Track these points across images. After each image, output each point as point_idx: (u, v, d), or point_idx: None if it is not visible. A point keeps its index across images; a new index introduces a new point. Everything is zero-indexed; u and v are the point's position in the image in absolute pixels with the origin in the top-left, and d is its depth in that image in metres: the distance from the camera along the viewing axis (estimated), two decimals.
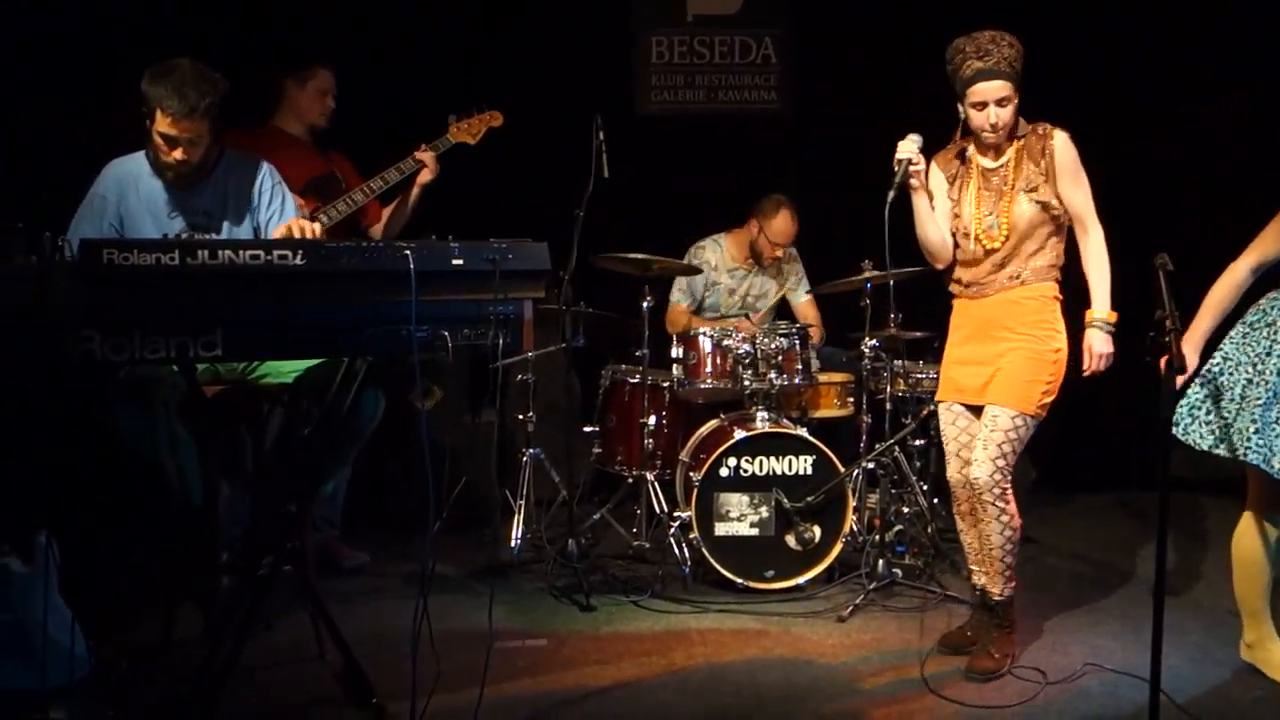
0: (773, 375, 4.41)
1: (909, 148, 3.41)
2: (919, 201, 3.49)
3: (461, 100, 4.46)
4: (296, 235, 3.21)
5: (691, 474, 4.29)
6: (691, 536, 4.22)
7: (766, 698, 3.32)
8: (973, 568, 3.67)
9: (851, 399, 4.74)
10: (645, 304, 4.40)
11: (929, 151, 3.52)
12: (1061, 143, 3.40)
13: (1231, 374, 3.33)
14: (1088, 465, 5.93)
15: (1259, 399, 3.23)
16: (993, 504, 3.45)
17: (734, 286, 5.16)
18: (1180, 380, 3.26)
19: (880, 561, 4.22)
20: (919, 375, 4.66)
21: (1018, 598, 4.12)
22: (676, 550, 4.29)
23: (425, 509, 2.77)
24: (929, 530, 4.57)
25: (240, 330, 2.69)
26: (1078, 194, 3.41)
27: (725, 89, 5.85)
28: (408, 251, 2.75)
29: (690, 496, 4.23)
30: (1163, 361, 2.68)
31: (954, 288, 3.61)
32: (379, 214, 4.51)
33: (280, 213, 3.50)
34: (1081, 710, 3.26)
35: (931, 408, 4.62)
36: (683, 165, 5.80)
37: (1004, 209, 3.42)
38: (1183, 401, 3.41)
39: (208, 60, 3.31)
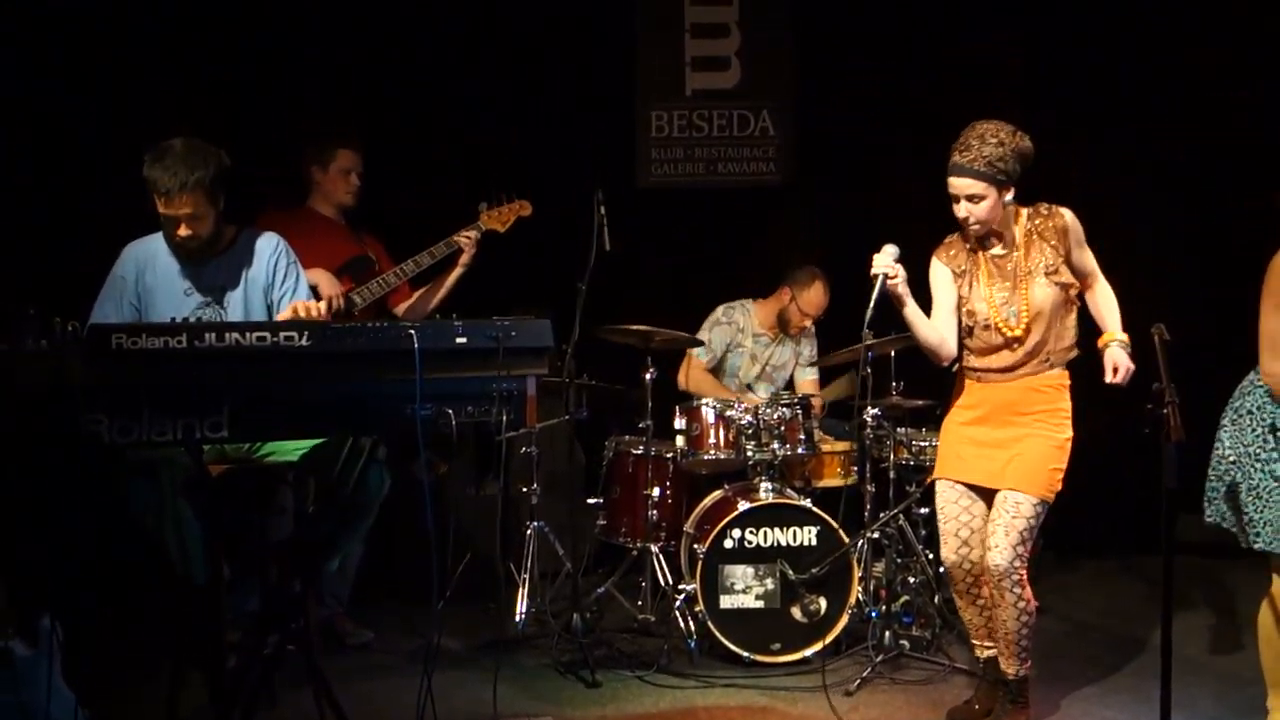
0: (776, 445, 4.43)
1: (884, 260, 3.38)
2: (908, 310, 3.47)
3: (482, 185, 4.56)
4: (302, 315, 3.25)
5: (696, 545, 4.28)
6: (697, 609, 4.21)
7: None
8: (975, 642, 3.66)
9: (854, 468, 4.75)
10: (648, 375, 4.43)
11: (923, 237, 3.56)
12: (1071, 219, 3.44)
13: (1239, 468, 3.33)
14: (1092, 531, 5.90)
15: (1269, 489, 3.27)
16: (1010, 590, 3.42)
17: (756, 353, 5.19)
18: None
19: (887, 633, 4.20)
20: (921, 443, 4.66)
21: (1066, 670, 4.09)
22: (682, 623, 4.27)
23: (431, 583, 2.78)
24: (935, 600, 4.54)
25: (246, 411, 2.71)
26: (1087, 257, 3.47)
27: (724, 161, 5.94)
28: (412, 331, 2.78)
29: (695, 568, 4.22)
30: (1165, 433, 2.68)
31: (969, 371, 3.60)
32: (408, 294, 4.58)
33: (293, 291, 3.54)
34: None
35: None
36: (684, 237, 5.87)
37: (1021, 296, 3.43)
38: (1212, 494, 3.44)
39: (243, 147, 3.39)
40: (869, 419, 4.47)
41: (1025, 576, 3.44)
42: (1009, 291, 3.45)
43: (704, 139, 5.93)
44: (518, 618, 4.42)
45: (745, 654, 4.14)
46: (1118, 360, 3.40)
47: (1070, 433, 3.49)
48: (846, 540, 4.24)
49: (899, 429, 4.66)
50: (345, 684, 3.88)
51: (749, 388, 5.12)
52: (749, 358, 5.19)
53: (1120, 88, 5.83)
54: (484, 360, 2.87)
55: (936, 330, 3.52)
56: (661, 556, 4.50)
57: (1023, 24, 5.86)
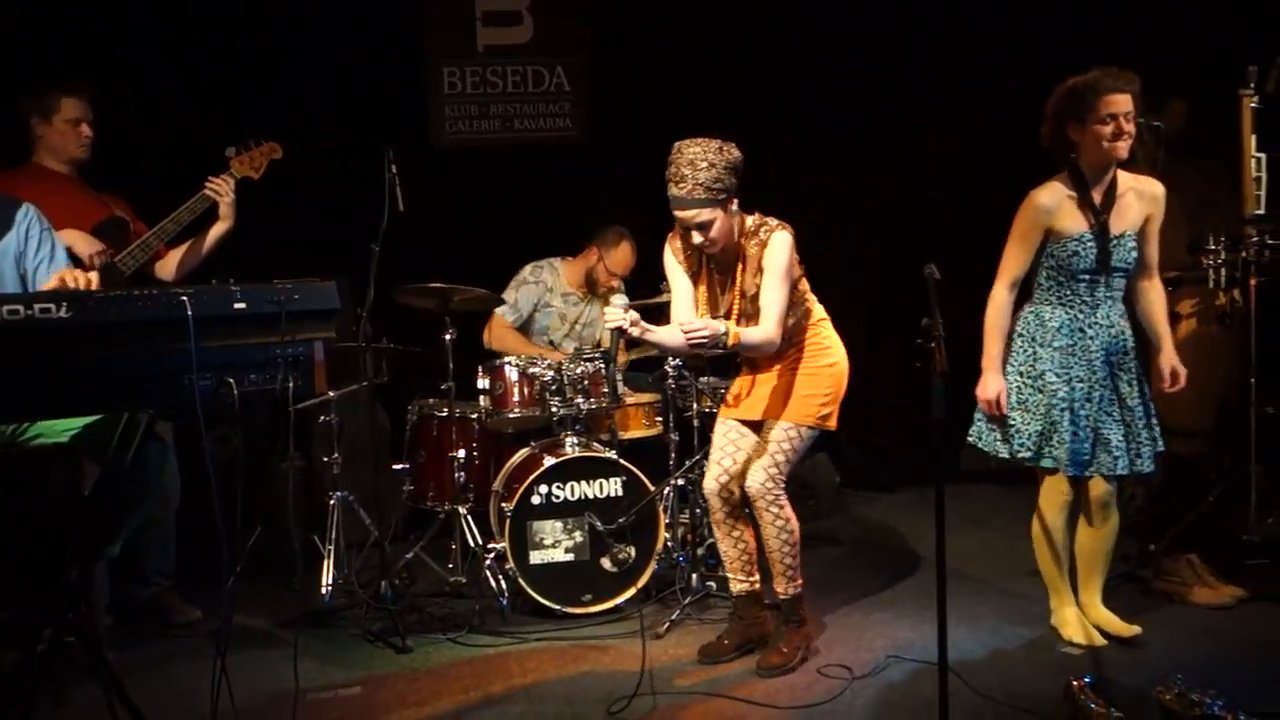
0: (580, 400, 4.45)
1: (615, 315, 3.40)
2: (652, 338, 3.50)
3: (246, 136, 4.34)
4: (70, 286, 3.06)
5: (504, 504, 4.28)
6: (507, 567, 4.21)
7: (585, 716, 3.34)
8: (729, 575, 3.83)
9: (660, 418, 4.82)
10: (448, 336, 4.37)
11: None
12: (776, 244, 3.51)
13: (1008, 385, 3.64)
14: (890, 465, 6.17)
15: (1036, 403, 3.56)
16: (767, 509, 3.61)
17: (565, 312, 5.17)
18: (988, 400, 3.60)
19: (694, 576, 4.31)
20: (724, 391, 4.76)
21: (825, 598, 4.29)
22: (493, 582, 4.26)
23: (232, 562, 2.69)
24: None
25: (4, 391, 2.54)
26: (771, 293, 3.51)
27: (520, 118, 5.88)
28: (185, 297, 2.66)
29: (504, 527, 4.22)
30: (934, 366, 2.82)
31: None
32: (164, 255, 4.34)
33: (50, 259, 3.32)
34: (886, 701, 3.41)
35: None
36: (484, 196, 5.79)
37: (732, 307, 3.61)
38: (978, 417, 3.73)
39: None
40: (671, 369, 4.54)
41: (783, 496, 3.63)
42: (729, 301, 3.62)
43: (499, 95, 5.85)
44: (324, 590, 4.32)
45: (557, 607, 4.17)
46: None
47: (834, 359, 3.68)
48: (652, 489, 4.31)
49: (701, 379, 4.75)
50: (145, 671, 3.75)
51: (553, 344, 5.12)
52: (558, 316, 5.19)
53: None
54: (266, 326, 2.78)
55: (679, 334, 3.53)
56: (470, 518, 4.48)
57: None
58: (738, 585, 3.82)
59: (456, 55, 5.79)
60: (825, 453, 5.68)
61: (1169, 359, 3.70)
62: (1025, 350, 3.66)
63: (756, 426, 3.71)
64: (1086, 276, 3.56)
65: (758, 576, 3.84)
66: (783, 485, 3.63)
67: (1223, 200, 4.46)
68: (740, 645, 3.77)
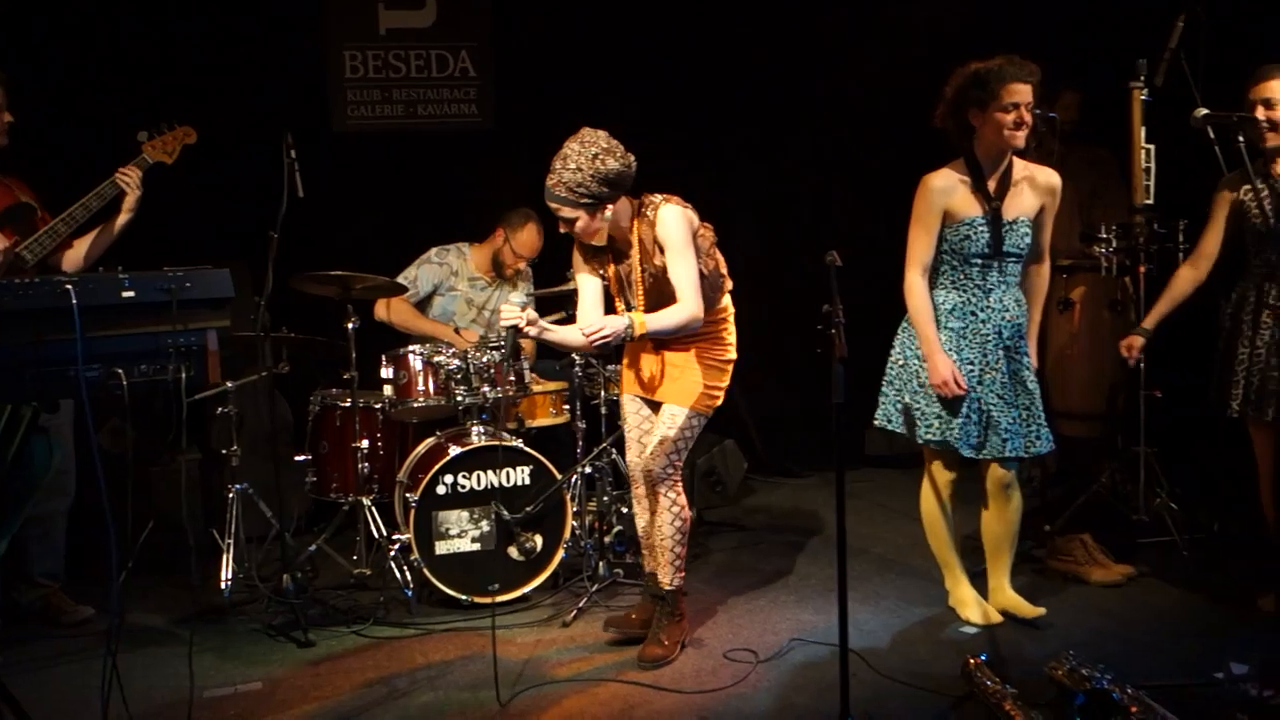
0: (486, 389, 4.41)
1: (511, 313, 3.37)
2: (552, 338, 3.51)
3: (146, 119, 4.21)
4: None
5: (409, 495, 4.23)
6: (412, 558, 4.16)
7: (488, 703, 3.33)
8: (645, 553, 3.86)
9: (567, 406, 4.81)
10: (351, 325, 4.29)
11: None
12: (666, 218, 3.48)
13: (907, 369, 3.72)
14: (795, 451, 6.26)
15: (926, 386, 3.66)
16: (666, 494, 3.64)
17: (473, 297, 5.11)
18: (943, 382, 3.62)
19: (601, 564, 4.31)
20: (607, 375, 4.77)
21: (732, 583, 4.33)
22: (398, 574, 4.21)
23: (123, 558, 2.61)
24: None
25: None
26: (677, 267, 3.48)
27: (425, 103, 5.79)
28: (69, 286, 2.58)
29: (409, 518, 4.16)
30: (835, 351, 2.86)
31: None
32: (68, 244, 4.18)
33: None
34: (790, 683, 3.44)
35: None
36: (388, 182, 5.70)
37: (639, 293, 3.59)
38: (884, 399, 3.81)
39: None
40: (578, 357, 4.53)
41: (679, 483, 3.66)
42: (634, 287, 3.60)
43: (402, 80, 5.76)
44: (223, 585, 4.22)
45: (464, 597, 4.14)
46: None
47: (733, 355, 3.71)
48: (559, 477, 4.29)
49: (608, 366, 4.75)
50: (33, 672, 3.64)
51: (457, 331, 5.06)
52: (464, 301, 5.13)
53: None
54: (156, 314, 2.71)
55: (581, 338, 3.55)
56: (375, 509, 4.41)
57: None
58: (650, 564, 3.83)
59: (358, 38, 5.68)
60: (733, 439, 5.73)
61: (1032, 351, 3.77)
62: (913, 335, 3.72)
63: (655, 406, 3.72)
64: (979, 261, 3.62)
65: None
66: (680, 472, 3.66)
67: (1113, 190, 4.59)
68: (647, 623, 3.77)
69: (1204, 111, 3.07)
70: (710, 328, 3.64)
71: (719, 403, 3.68)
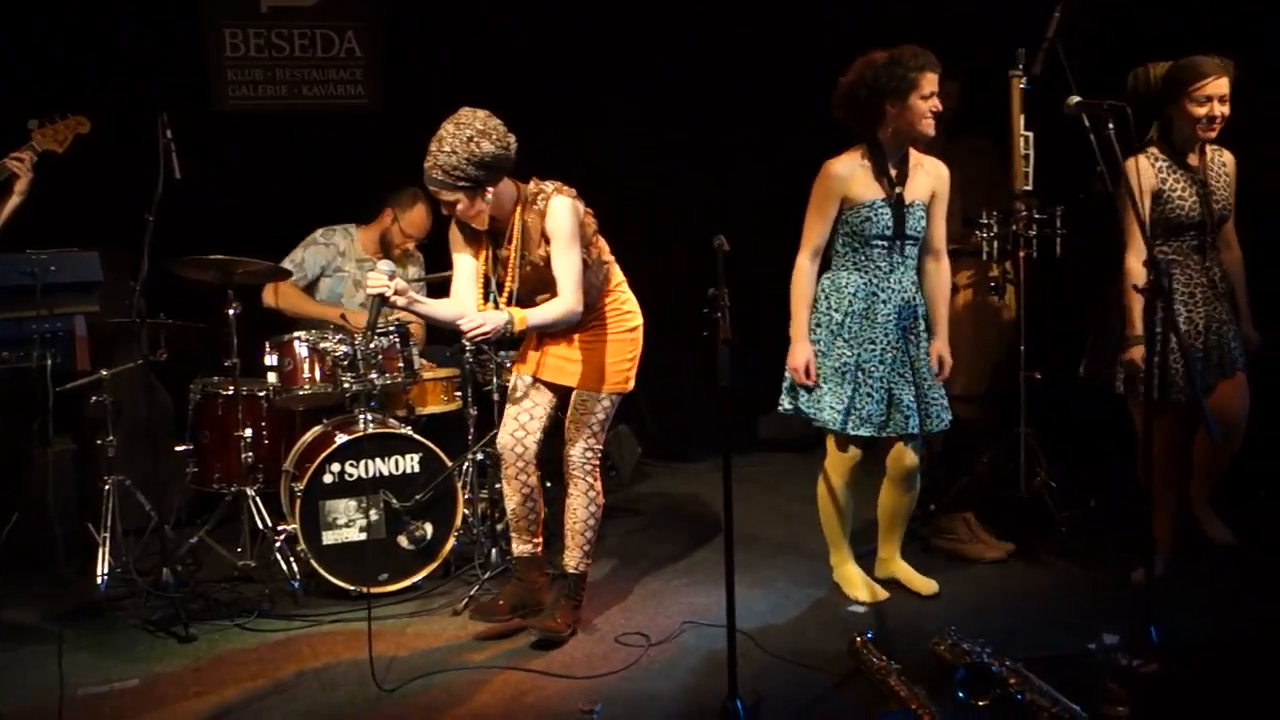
0: (374, 375, 4.33)
1: (379, 281, 3.30)
2: (421, 310, 3.47)
3: (25, 102, 4.03)
4: None
5: (295, 484, 4.13)
6: (299, 549, 4.07)
7: (377, 696, 3.28)
8: (514, 535, 3.84)
9: (459, 393, 4.75)
10: (232, 311, 4.16)
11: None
12: (557, 210, 3.46)
13: (818, 355, 3.76)
14: (690, 435, 6.28)
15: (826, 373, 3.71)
16: (584, 478, 3.65)
17: (360, 278, 5.00)
18: (796, 368, 3.70)
19: (494, 550, 4.27)
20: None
21: (626, 568, 4.34)
22: (284, 565, 4.12)
23: None
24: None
25: None
26: (562, 261, 3.46)
27: (310, 84, 5.65)
28: None
29: (294, 508, 4.07)
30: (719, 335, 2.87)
31: None
32: None
33: None
34: (682, 665, 3.47)
35: None
36: (273, 163, 5.55)
37: (513, 279, 3.55)
38: (788, 385, 3.83)
39: None
40: (469, 343, 4.46)
41: (597, 468, 3.66)
42: (516, 277, 3.56)
43: (285, 60, 5.61)
44: (99, 580, 4.08)
45: (352, 588, 4.07)
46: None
47: (635, 321, 3.71)
48: (450, 464, 4.24)
49: (500, 352, 4.70)
50: None
51: (343, 318, 4.96)
52: (352, 283, 5.03)
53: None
54: (19, 299, 2.60)
55: (454, 307, 3.53)
56: (259, 499, 4.30)
57: None
58: (521, 546, 3.83)
59: (238, 16, 5.51)
60: (627, 425, 5.74)
61: (939, 348, 3.84)
62: (824, 317, 3.76)
63: (561, 391, 3.70)
64: (881, 243, 3.69)
65: (541, 539, 3.86)
66: (599, 455, 3.67)
67: (993, 177, 4.70)
68: (515, 607, 3.78)
69: (1076, 99, 3.16)
70: (607, 301, 3.65)
71: (632, 375, 3.69)
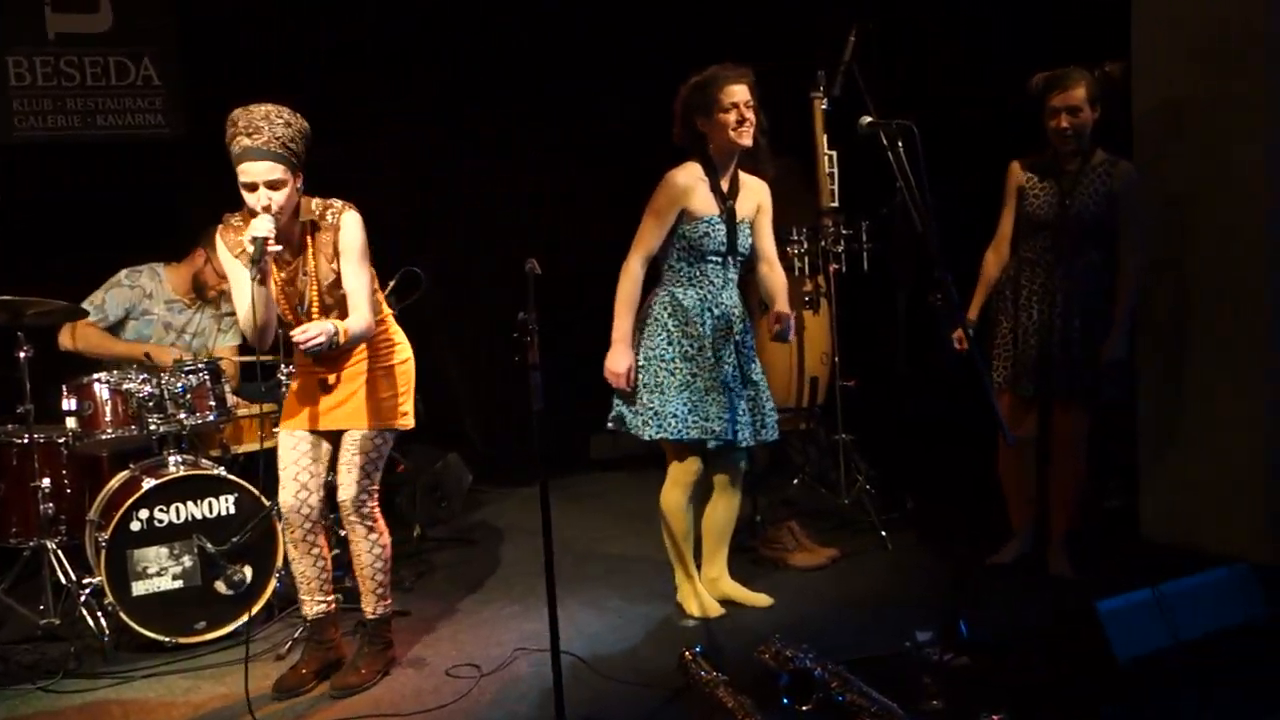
0: (183, 415, 4.15)
1: (265, 224, 3.18)
2: (268, 286, 3.31)
3: None
4: None
5: (99, 534, 3.92)
6: (106, 602, 3.87)
7: None
8: (305, 598, 3.64)
9: (276, 430, 4.58)
10: (23, 354, 3.93)
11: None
12: (349, 225, 3.37)
13: (645, 369, 3.76)
14: (521, 459, 6.24)
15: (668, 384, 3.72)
16: (362, 523, 3.52)
17: (170, 320, 4.78)
18: (616, 374, 3.72)
19: None
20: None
21: (458, 598, 4.27)
22: (90, 621, 3.90)
23: None
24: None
25: None
26: (355, 278, 3.39)
27: (104, 113, 5.39)
28: None
29: (100, 559, 3.87)
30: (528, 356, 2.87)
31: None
32: None
33: None
34: (514, 693, 3.44)
35: None
36: (64, 198, 5.26)
37: (310, 293, 3.40)
38: (617, 401, 3.82)
39: None
40: (284, 378, 4.34)
41: (377, 509, 3.56)
42: (300, 295, 3.43)
43: (76, 89, 5.34)
44: None
45: (167, 639, 3.88)
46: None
47: (405, 354, 3.62)
48: (267, 503, 4.10)
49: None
50: None
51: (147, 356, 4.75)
52: (161, 325, 4.82)
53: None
54: None
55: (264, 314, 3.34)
56: (62, 552, 4.07)
57: None
58: (315, 607, 3.62)
59: (23, 44, 5.23)
60: (456, 452, 5.66)
61: (779, 308, 3.88)
62: (661, 332, 3.77)
63: (332, 436, 3.55)
64: (716, 258, 3.76)
65: (333, 594, 3.68)
66: (376, 497, 3.55)
67: (800, 195, 4.86)
68: (320, 672, 3.59)
69: (868, 119, 3.29)
70: (378, 333, 3.54)
71: (406, 408, 3.59)
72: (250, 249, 3.19)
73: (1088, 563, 4.16)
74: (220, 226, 3.41)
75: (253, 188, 3.22)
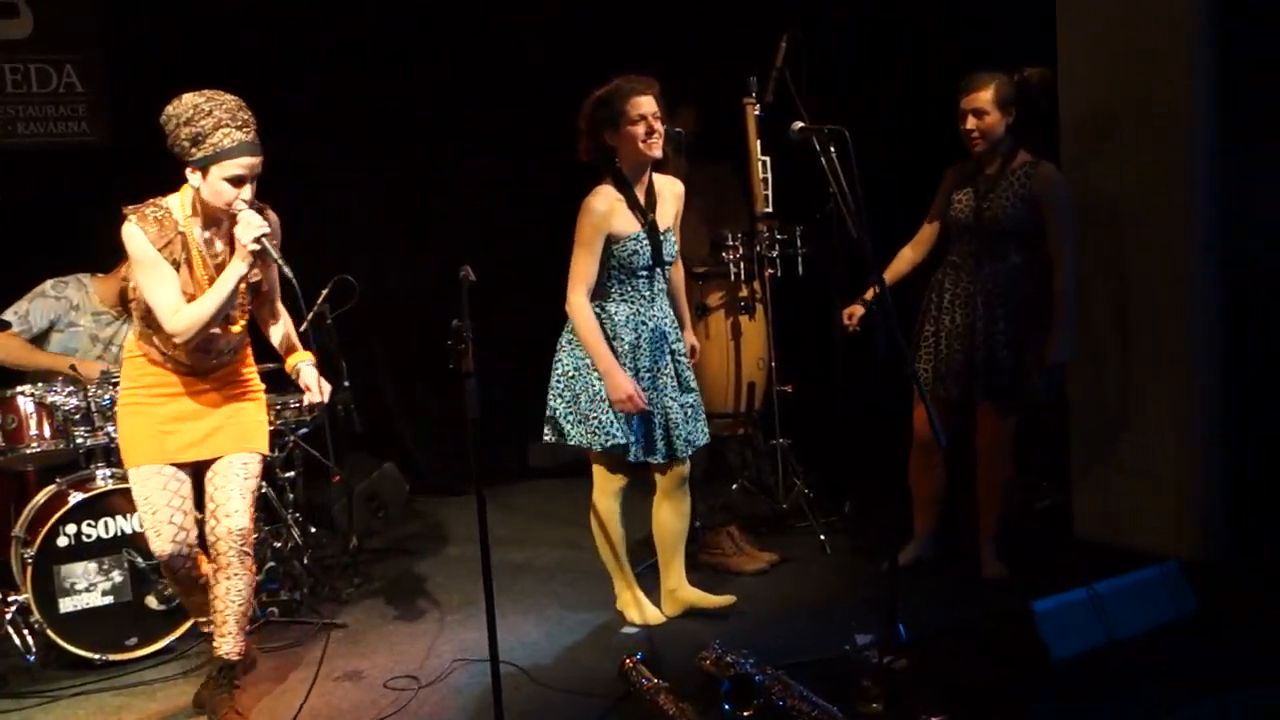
0: (111, 428, 4.06)
1: (258, 219, 3.11)
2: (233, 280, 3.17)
3: None
4: None
5: (25, 550, 3.82)
6: (33, 620, 3.77)
7: None
8: (224, 635, 3.32)
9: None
10: None
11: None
12: (273, 220, 3.25)
13: (579, 379, 3.73)
14: (461, 467, 6.19)
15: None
16: (241, 559, 3.27)
17: (97, 333, 4.67)
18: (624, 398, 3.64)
19: (254, 603, 4.07)
20: (278, 406, 4.55)
21: (395, 609, 4.23)
22: (16, 639, 3.80)
23: None
24: (305, 561, 4.50)
25: None
26: (274, 277, 3.35)
27: (26, 120, 5.26)
28: None
29: (26, 575, 3.77)
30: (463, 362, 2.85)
31: (165, 357, 3.31)
32: None
33: None
34: (453, 706, 3.41)
35: (293, 438, 4.57)
36: None
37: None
38: (554, 413, 3.78)
39: None
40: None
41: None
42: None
43: None
44: None
45: (97, 656, 3.79)
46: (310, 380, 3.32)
47: (260, 382, 3.53)
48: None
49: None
50: None
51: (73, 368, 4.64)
52: (88, 337, 4.70)
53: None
54: None
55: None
56: None
57: None
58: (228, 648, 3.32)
59: None
60: (392, 462, 5.61)
61: (690, 337, 3.99)
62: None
63: (195, 466, 3.36)
64: (645, 272, 3.75)
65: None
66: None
67: (735, 201, 4.88)
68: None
69: (800, 125, 3.31)
70: (248, 353, 3.47)
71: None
72: (257, 246, 3.09)
73: (1021, 563, 4.21)
74: (133, 218, 3.19)
75: (240, 181, 3.10)
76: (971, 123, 3.96)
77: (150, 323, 3.24)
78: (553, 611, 4.14)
